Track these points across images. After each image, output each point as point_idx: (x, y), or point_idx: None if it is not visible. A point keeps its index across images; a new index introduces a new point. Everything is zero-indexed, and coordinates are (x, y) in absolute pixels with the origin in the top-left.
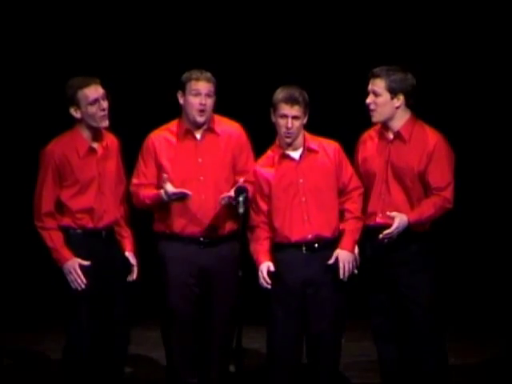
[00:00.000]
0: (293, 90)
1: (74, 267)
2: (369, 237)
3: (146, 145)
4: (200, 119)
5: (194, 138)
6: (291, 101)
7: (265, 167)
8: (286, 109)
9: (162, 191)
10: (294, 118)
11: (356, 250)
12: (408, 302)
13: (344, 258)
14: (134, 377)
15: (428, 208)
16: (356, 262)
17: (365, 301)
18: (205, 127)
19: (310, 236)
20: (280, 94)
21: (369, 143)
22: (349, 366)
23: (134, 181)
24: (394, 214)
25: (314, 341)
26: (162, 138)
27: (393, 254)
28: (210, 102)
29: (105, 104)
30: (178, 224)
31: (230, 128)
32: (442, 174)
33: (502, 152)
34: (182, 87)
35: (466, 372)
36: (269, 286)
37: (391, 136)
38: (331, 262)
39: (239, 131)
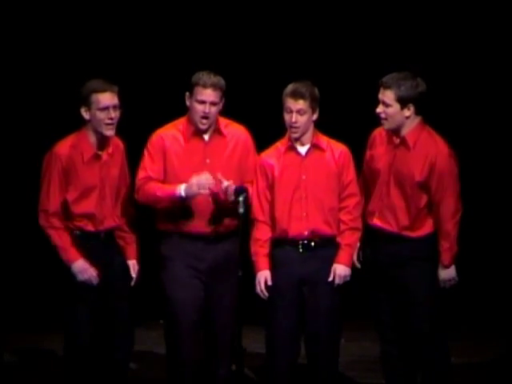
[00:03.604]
0: (300, 84)
1: (85, 266)
2: (368, 237)
3: (155, 141)
4: (202, 126)
5: (203, 139)
6: (295, 95)
7: (271, 158)
8: (290, 103)
9: (181, 186)
10: (299, 112)
11: (354, 257)
12: (409, 301)
13: (340, 272)
14: (136, 376)
15: (446, 244)
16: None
17: (366, 299)
18: (212, 129)
19: (306, 233)
20: (287, 88)
21: (378, 141)
22: (349, 366)
23: (141, 175)
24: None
25: (312, 340)
26: (170, 135)
27: (394, 254)
28: (214, 109)
29: (114, 114)
30: (186, 223)
31: (236, 131)
32: (449, 206)
33: (503, 155)
34: (190, 90)
35: (466, 372)
36: (265, 298)
37: (397, 141)
38: (330, 279)
39: (245, 134)
